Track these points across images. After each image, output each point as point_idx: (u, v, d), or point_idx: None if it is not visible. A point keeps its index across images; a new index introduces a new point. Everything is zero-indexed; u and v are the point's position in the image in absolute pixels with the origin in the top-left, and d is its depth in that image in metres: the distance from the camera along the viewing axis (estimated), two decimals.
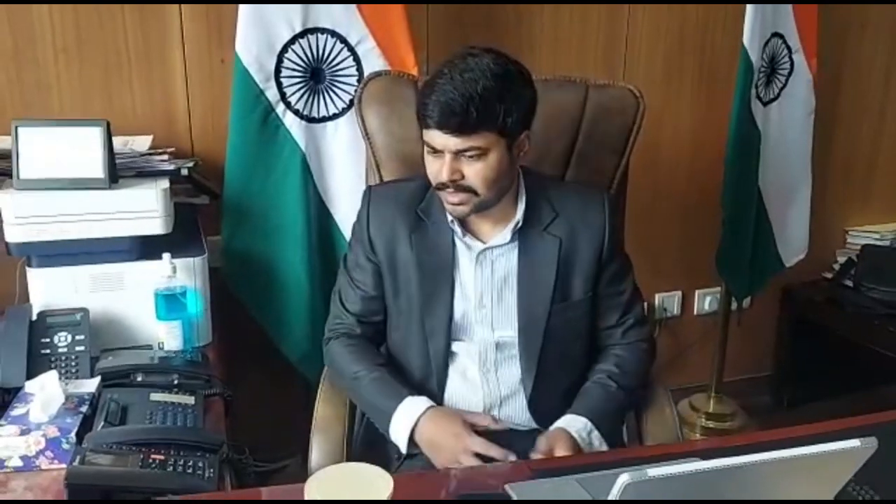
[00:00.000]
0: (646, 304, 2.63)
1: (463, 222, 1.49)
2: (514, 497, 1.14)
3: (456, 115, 1.34)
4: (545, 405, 1.50)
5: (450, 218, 1.48)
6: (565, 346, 1.52)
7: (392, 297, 1.54)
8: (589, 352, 1.57)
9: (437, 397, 1.51)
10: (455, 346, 1.52)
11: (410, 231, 1.51)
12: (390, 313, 1.56)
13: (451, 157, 1.38)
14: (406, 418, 1.43)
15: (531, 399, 1.50)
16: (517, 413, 1.51)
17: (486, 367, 1.51)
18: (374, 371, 1.50)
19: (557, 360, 1.51)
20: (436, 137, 1.38)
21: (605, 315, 1.55)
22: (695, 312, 2.80)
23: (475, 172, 1.39)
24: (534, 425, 1.51)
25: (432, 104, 1.36)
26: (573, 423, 1.43)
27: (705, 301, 2.79)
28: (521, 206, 1.49)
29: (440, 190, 1.43)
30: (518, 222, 1.48)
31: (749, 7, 2.23)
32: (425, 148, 1.43)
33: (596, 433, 1.43)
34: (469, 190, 1.41)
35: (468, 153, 1.38)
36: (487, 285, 1.50)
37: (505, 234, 1.49)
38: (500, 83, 1.35)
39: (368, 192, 1.57)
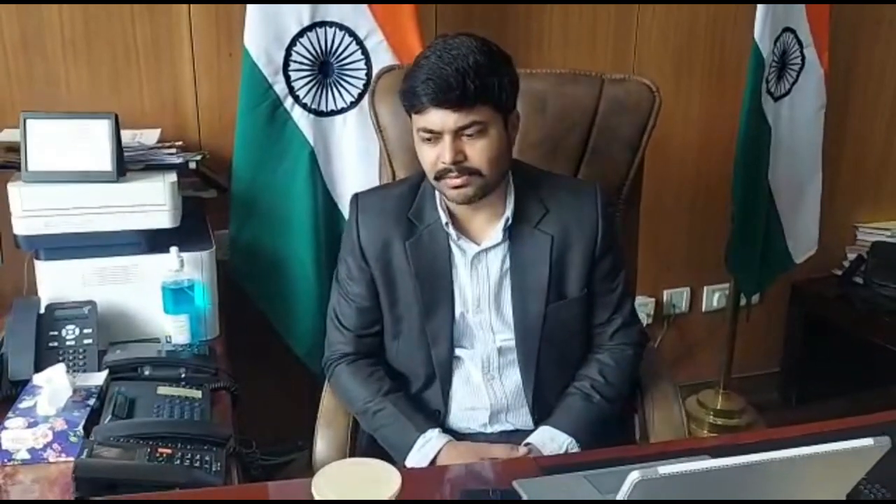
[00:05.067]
0: (655, 300, 2.68)
1: (456, 222, 1.45)
2: (523, 494, 1.13)
3: (454, 89, 1.29)
4: (546, 409, 1.48)
5: (443, 219, 1.44)
6: (563, 347, 1.49)
7: (388, 306, 1.49)
8: (585, 349, 1.54)
9: (442, 405, 1.49)
10: (458, 352, 1.48)
11: (404, 239, 1.45)
12: (387, 322, 1.51)
13: (452, 137, 1.33)
14: (423, 459, 1.40)
15: (533, 406, 1.48)
16: (523, 419, 1.50)
17: (489, 374, 1.48)
18: (380, 402, 1.46)
19: (556, 362, 1.49)
20: (432, 117, 1.33)
21: (595, 312, 1.51)
22: (703, 309, 2.79)
23: (478, 151, 1.34)
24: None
25: (423, 83, 1.31)
26: (557, 439, 1.42)
27: (714, 297, 2.77)
28: (511, 202, 1.44)
29: (440, 179, 1.38)
30: (508, 219, 1.44)
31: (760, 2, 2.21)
32: (418, 135, 1.37)
33: (577, 449, 1.41)
34: (473, 172, 1.36)
35: (469, 130, 1.33)
36: (484, 290, 1.46)
37: (497, 232, 1.44)
38: (488, 58, 1.32)
39: (356, 201, 1.51)
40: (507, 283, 1.46)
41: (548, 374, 1.48)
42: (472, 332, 1.48)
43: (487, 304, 1.46)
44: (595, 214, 1.46)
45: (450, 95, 1.30)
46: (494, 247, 1.45)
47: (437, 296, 1.46)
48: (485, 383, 1.48)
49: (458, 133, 1.33)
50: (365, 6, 1.93)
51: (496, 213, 1.45)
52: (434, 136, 1.35)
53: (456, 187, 1.37)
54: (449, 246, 1.45)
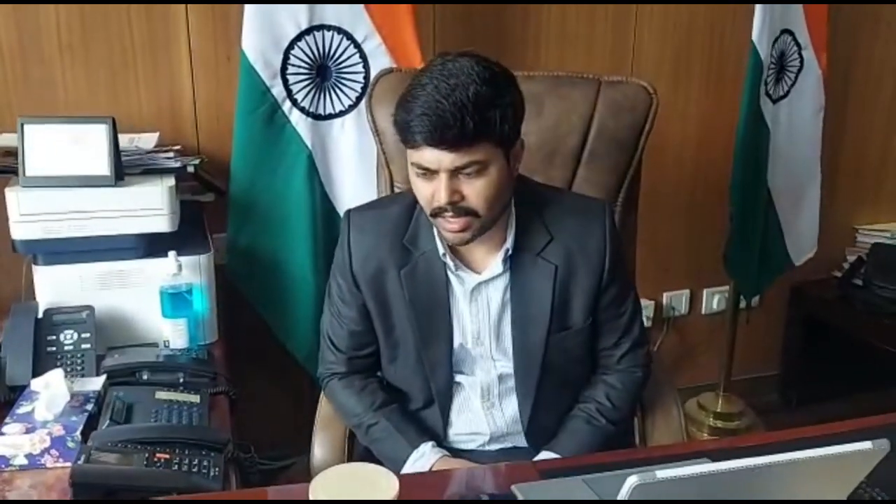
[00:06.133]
0: (654, 303, 2.67)
1: (454, 251, 1.38)
2: (521, 498, 1.12)
3: (451, 128, 1.19)
4: (543, 433, 1.44)
5: (441, 250, 1.36)
6: (565, 373, 1.44)
7: (384, 333, 1.44)
8: (590, 372, 1.49)
9: (441, 429, 1.45)
10: (458, 378, 1.44)
11: (399, 267, 1.38)
12: (383, 347, 1.46)
13: (448, 176, 1.24)
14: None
15: (528, 430, 1.45)
16: (522, 440, 1.47)
17: (489, 401, 1.44)
18: (373, 416, 1.43)
19: (557, 389, 1.44)
20: (427, 156, 1.23)
21: (603, 336, 1.45)
22: (703, 311, 2.79)
23: (476, 191, 1.25)
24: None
25: (418, 119, 1.21)
26: None
27: (713, 300, 2.77)
28: (512, 231, 1.37)
29: (436, 216, 1.29)
30: (508, 250, 1.37)
31: (758, 2, 2.21)
32: (413, 170, 1.28)
33: None
34: (470, 212, 1.27)
35: (467, 170, 1.24)
36: (485, 321, 1.40)
37: (497, 262, 1.37)
38: (490, 87, 1.21)
39: (348, 219, 1.44)
40: (508, 313, 1.40)
41: (548, 400, 1.43)
42: (471, 360, 1.43)
43: (488, 336, 1.41)
44: (602, 241, 1.39)
45: (447, 134, 1.20)
46: (495, 278, 1.38)
47: (434, 326, 1.40)
48: (484, 410, 1.45)
49: (454, 172, 1.24)
50: (362, 9, 1.93)
51: (497, 243, 1.37)
52: (429, 172, 1.26)
53: (453, 231, 1.29)
54: (447, 275, 1.38)
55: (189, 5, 2.00)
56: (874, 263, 2.72)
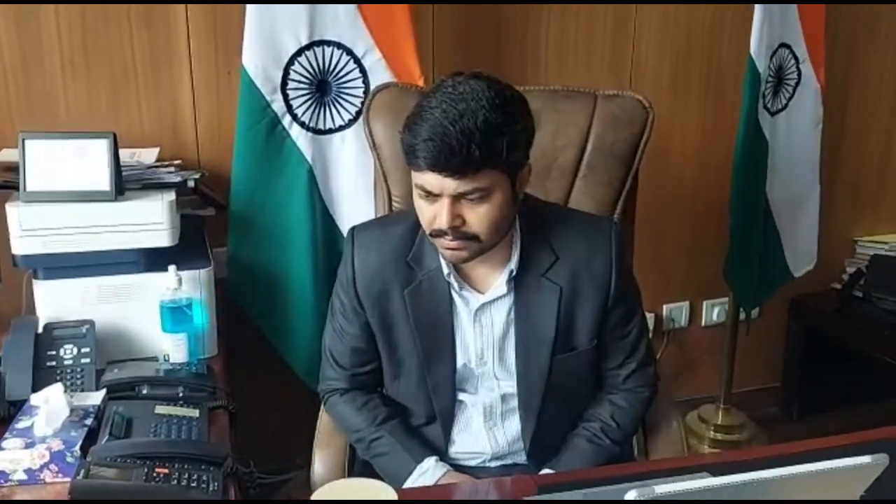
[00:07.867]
0: (654, 315, 2.67)
1: (458, 270, 1.37)
2: None
3: (455, 155, 1.17)
4: (546, 452, 1.44)
5: (445, 271, 1.36)
6: (569, 393, 1.44)
7: (387, 352, 1.43)
8: (594, 391, 1.48)
9: (443, 446, 1.45)
10: (461, 396, 1.44)
11: (403, 286, 1.37)
12: (386, 364, 1.45)
13: (451, 201, 1.23)
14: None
15: (530, 451, 1.44)
16: (524, 457, 1.47)
17: (492, 420, 1.44)
18: (377, 431, 1.43)
19: (561, 408, 1.44)
20: (431, 180, 1.22)
21: (608, 357, 1.45)
22: (703, 323, 2.79)
23: (478, 217, 1.25)
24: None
25: (423, 143, 1.19)
26: None
27: (713, 312, 2.77)
28: (516, 251, 1.35)
29: (435, 237, 1.29)
30: (512, 271, 1.36)
31: (756, 16, 2.22)
32: (416, 190, 1.28)
33: None
34: (470, 237, 1.26)
35: (470, 196, 1.23)
36: (488, 342, 1.40)
37: (501, 283, 1.36)
38: (500, 114, 1.19)
39: (352, 237, 1.43)
40: (512, 333, 1.39)
41: (551, 420, 1.43)
42: (475, 379, 1.43)
43: (491, 356, 1.41)
44: (608, 261, 1.38)
45: (452, 161, 1.19)
46: (499, 298, 1.38)
47: (437, 346, 1.40)
48: (486, 430, 1.44)
49: (457, 197, 1.23)
50: (362, 25, 1.94)
51: (500, 262, 1.36)
52: (432, 195, 1.25)
53: (451, 249, 1.29)
54: (451, 295, 1.38)
55: (190, 18, 2.01)
56: (873, 275, 2.72)
